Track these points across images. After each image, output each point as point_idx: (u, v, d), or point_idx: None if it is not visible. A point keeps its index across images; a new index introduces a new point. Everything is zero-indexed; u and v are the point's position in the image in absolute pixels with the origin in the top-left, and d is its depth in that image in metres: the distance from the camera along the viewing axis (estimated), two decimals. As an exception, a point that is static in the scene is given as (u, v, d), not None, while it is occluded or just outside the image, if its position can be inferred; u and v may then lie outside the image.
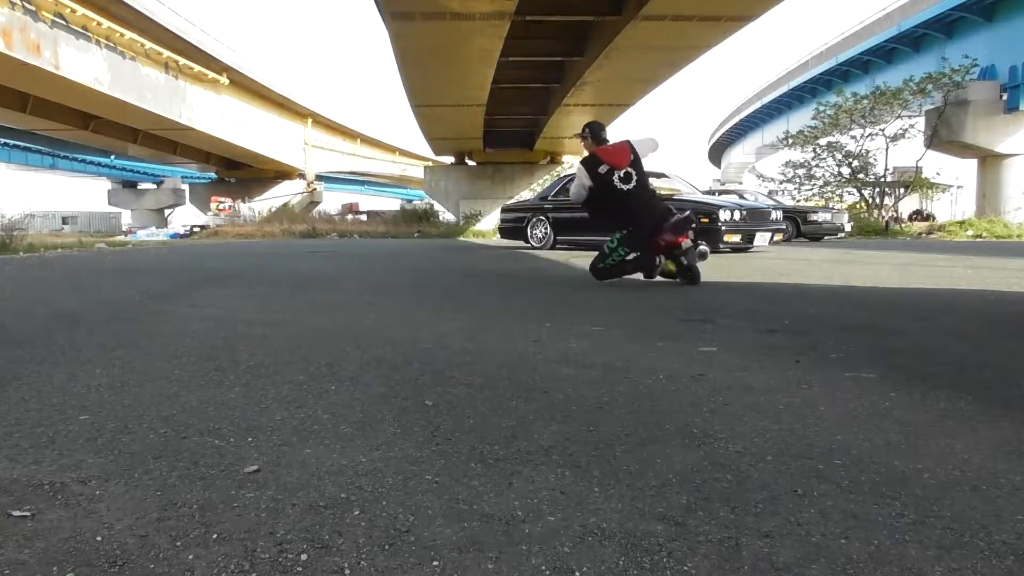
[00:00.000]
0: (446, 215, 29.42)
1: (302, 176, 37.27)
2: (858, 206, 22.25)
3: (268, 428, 1.62)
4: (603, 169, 4.75)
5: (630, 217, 4.76)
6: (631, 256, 4.83)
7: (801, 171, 22.85)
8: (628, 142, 4.92)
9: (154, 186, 44.59)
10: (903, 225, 22.00)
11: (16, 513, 1.16)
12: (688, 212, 5.19)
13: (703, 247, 5.42)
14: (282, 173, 37.34)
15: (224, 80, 27.10)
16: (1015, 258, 8.10)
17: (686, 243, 4.82)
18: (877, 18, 28.47)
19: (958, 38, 23.97)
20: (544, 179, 25.51)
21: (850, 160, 21.74)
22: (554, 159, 28.24)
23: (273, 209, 33.04)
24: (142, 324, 3.36)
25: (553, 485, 1.27)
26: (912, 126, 21.90)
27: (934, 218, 27.12)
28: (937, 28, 24.82)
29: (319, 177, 39.18)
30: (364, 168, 45.92)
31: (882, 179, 22.18)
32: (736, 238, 9.03)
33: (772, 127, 42.60)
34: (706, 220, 8.96)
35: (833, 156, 22.18)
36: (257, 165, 36.16)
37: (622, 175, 4.76)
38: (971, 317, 3.55)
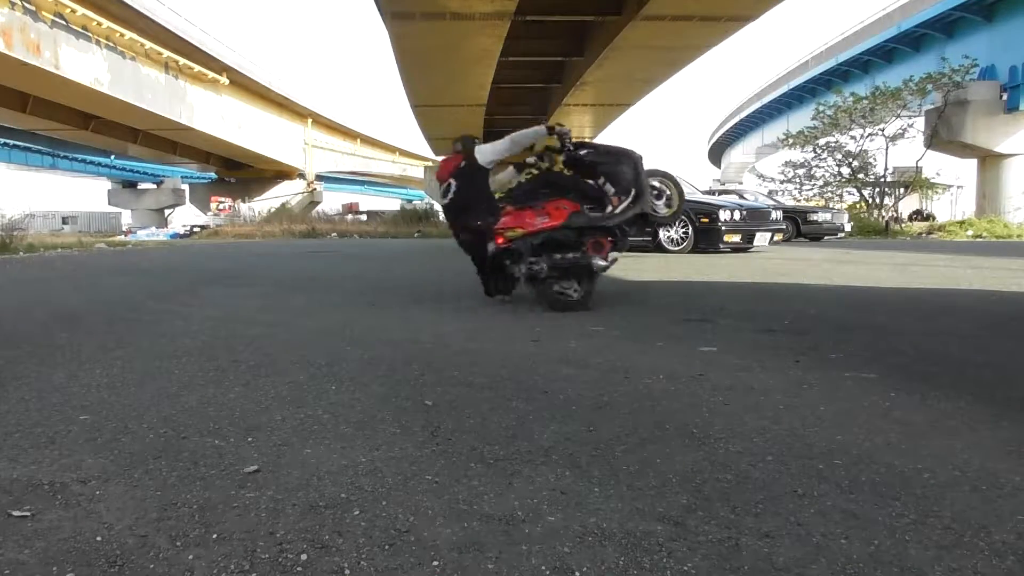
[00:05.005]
0: (446, 215, 29.36)
1: (302, 176, 37.26)
2: (858, 206, 22.20)
3: (268, 428, 1.62)
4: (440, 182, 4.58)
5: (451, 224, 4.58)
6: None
7: (801, 171, 22.83)
8: (461, 151, 4.45)
9: (154, 186, 44.51)
10: (903, 225, 21.96)
11: (16, 513, 1.16)
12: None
13: None
14: (282, 173, 37.31)
15: (224, 80, 27.08)
16: (1015, 258, 8.09)
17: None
18: (877, 18, 28.44)
19: (958, 38, 23.94)
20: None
21: (850, 160, 21.71)
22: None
23: (273, 209, 32.92)
24: (142, 324, 3.35)
25: (553, 485, 1.27)
26: (912, 126, 21.85)
27: (934, 218, 27.05)
28: (937, 28, 24.80)
29: (319, 177, 39.15)
30: (364, 168, 45.90)
31: (882, 179, 22.15)
32: (736, 238, 9.02)
33: (772, 127, 42.55)
34: (706, 220, 8.96)
35: (833, 156, 22.15)
36: (257, 165, 36.16)
37: (443, 188, 4.53)
38: (971, 317, 3.55)
